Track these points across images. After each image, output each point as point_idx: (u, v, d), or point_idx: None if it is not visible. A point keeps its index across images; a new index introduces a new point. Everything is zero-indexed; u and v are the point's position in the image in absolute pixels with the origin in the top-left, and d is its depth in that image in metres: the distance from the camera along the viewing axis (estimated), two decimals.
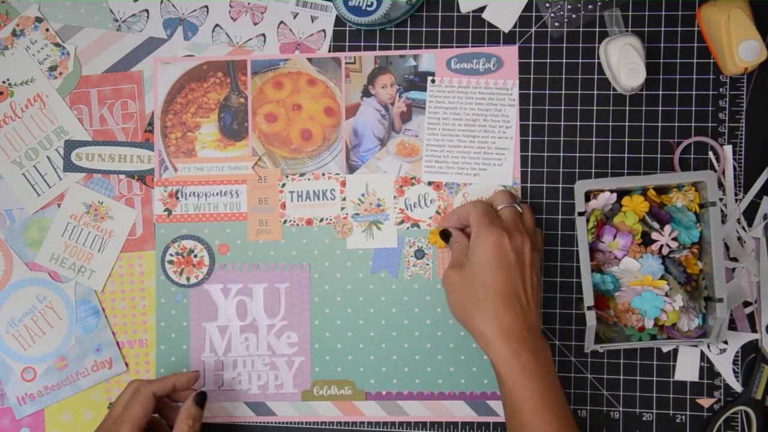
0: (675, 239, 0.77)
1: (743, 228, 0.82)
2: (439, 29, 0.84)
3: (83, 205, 0.86)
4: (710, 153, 0.82)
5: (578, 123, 0.83)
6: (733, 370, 0.82)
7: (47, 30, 0.86)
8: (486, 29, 0.84)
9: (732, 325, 0.82)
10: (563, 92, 0.83)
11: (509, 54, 0.83)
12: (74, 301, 0.86)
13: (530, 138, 0.83)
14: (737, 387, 0.82)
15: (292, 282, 0.85)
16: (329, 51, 0.85)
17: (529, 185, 0.83)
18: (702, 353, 0.82)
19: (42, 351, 0.85)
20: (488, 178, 0.83)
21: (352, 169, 0.85)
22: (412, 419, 0.84)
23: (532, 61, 0.83)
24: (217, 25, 0.85)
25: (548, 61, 0.83)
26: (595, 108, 0.83)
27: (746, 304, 0.82)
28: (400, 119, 0.84)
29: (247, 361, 0.85)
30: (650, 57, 0.82)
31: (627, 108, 0.83)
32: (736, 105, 0.82)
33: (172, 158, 0.86)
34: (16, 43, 0.86)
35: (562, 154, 0.83)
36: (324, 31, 0.85)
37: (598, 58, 0.83)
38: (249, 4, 0.85)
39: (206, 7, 0.85)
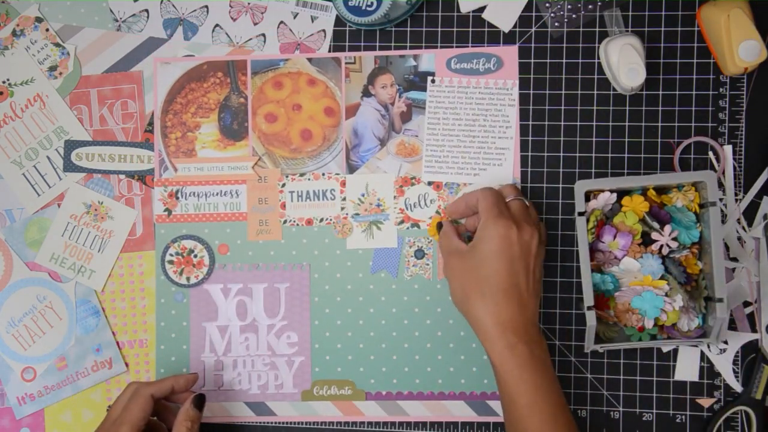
0: (675, 239, 0.77)
1: (743, 228, 0.82)
2: (439, 29, 0.84)
3: (83, 205, 0.86)
4: (710, 153, 0.82)
5: (578, 123, 0.83)
6: (733, 370, 0.82)
7: (47, 30, 0.86)
8: (486, 29, 0.84)
9: (732, 325, 0.82)
10: (563, 92, 0.83)
11: (509, 54, 0.83)
12: (74, 301, 0.86)
13: (530, 138, 0.83)
14: (737, 387, 0.82)
15: (292, 282, 0.85)
16: (329, 51, 0.85)
17: (529, 185, 0.83)
18: (702, 353, 0.82)
19: (42, 351, 0.85)
20: (488, 178, 0.83)
21: (352, 169, 0.85)
22: (412, 419, 0.84)
23: (532, 61, 0.83)
24: (217, 25, 0.85)
25: (548, 61, 0.83)
26: (595, 108, 0.83)
27: (746, 304, 0.82)
28: (400, 119, 0.84)
29: (247, 361, 0.85)
30: (650, 57, 0.82)
31: (627, 108, 0.83)
32: (736, 105, 0.82)
33: (172, 158, 0.86)
34: (16, 43, 0.86)
35: (562, 154, 0.83)
36: (324, 31, 0.85)
37: (598, 58, 0.83)
38: (249, 4, 0.85)
39: (206, 7, 0.85)
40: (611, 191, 0.78)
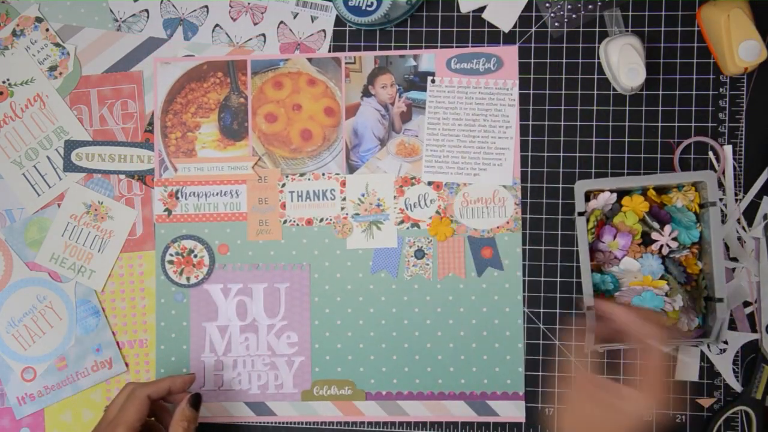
0: (675, 239, 0.77)
1: (743, 228, 0.82)
2: (439, 29, 0.84)
3: (83, 205, 0.86)
4: (710, 153, 0.82)
5: (578, 123, 0.83)
6: (733, 370, 0.82)
7: (47, 30, 0.86)
8: (486, 29, 0.84)
9: (732, 325, 0.82)
10: (563, 92, 0.83)
11: (509, 54, 0.83)
12: (74, 301, 0.86)
13: (530, 138, 0.83)
14: (737, 387, 0.82)
15: (292, 282, 0.85)
16: (329, 51, 0.85)
17: (529, 185, 0.83)
18: (702, 353, 0.82)
19: (42, 351, 0.85)
20: (488, 178, 0.83)
21: (352, 169, 0.85)
22: (412, 419, 0.84)
23: (532, 61, 0.83)
24: (217, 25, 0.85)
25: (548, 61, 0.83)
26: (595, 108, 0.83)
27: (746, 304, 0.82)
28: (400, 119, 0.84)
29: (247, 361, 0.85)
30: (650, 57, 0.82)
31: (627, 108, 0.83)
32: (736, 105, 0.82)
33: (172, 158, 0.86)
34: (16, 43, 0.86)
35: (562, 154, 0.83)
36: (324, 31, 0.85)
37: (598, 58, 0.83)
38: (249, 4, 0.85)
39: (206, 7, 0.85)
40: (611, 191, 0.78)
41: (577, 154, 0.83)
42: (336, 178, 0.85)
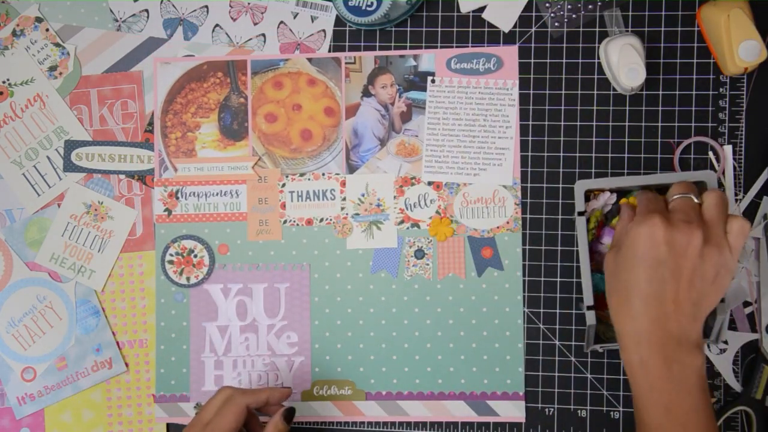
0: None
1: None
2: (439, 29, 0.84)
3: (83, 205, 0.86)
4: (710, 153, 0.82)
5: (578, 123, 0.83)
6: (733, 370, 0.82)
7: (47, 30, 0.86)
8: (486, 29, 0.84)
9: (732, 325, 0.82)
10: (563, 92, 0.83)
11: (509, 54, 0.83)
12: (74, 301, 0.86)
13: (530, 138, 0.83)
14: (737, 387, 0.82)
15: (292, 282, 0.85)
16: (329, 51, 0.85)
17: (529, 185, 0.83)
18: None
19: (42, 351, 0.85)
20: (488, 178, 0.83)
21: (352, 169, 0.85)
22: (412, 419, 0.84)
23: (532, 61, 0.83)
24: (217, 25, 0.85)
25: (548, 61, 0.83)
26: (595, 108, 0.83)
27: (746, 304, 0.82)
28: (400, 119, 0.84)
29: (247, 361, 0.85)
30: (650, 57, 0.82)
31: (627, 108, 0.83)
32: (736, 105, 0.82)
33: (172, 158, 0.86)
34: (16, 43, 0.86)
35: (562, 154, 0.83)
36: (324, 31, 0.85)
37: (598, 58, 0.83)
38: (249, 4, 0.85)
39: (206, 7, 0.85)
40: (611, 191, 0.78)
41: (577, 154, 0.83)
42: (336, 178, 0.85)
